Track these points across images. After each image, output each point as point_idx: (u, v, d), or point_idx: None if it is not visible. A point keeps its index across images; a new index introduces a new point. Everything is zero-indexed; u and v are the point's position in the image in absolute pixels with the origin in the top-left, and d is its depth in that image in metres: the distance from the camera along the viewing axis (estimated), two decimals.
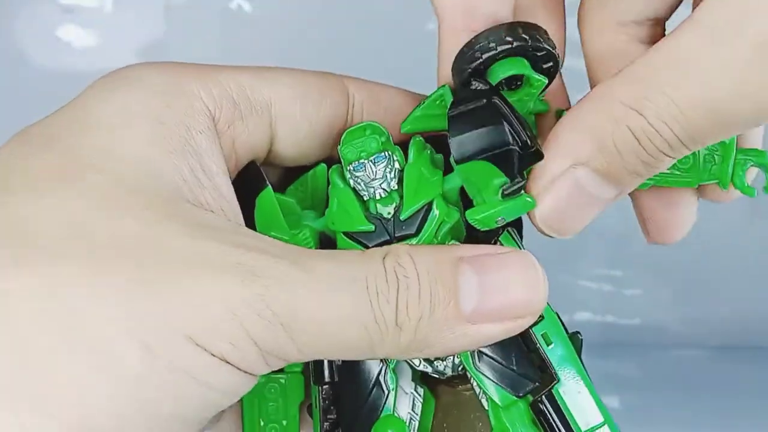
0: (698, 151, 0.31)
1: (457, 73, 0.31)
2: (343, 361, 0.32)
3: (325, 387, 0.33)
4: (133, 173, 0.28)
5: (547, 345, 0.31)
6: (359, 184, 0.31)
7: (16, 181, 0.27)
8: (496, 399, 0.32)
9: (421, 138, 0.32)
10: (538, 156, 0.29)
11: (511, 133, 0.29)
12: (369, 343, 0.28)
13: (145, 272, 0.26)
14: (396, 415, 0.33)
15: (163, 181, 0.28)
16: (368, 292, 0.27)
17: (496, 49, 0.30)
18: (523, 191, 0.30)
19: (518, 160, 0.29)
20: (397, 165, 0.31)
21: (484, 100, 0.30)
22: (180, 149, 0.29)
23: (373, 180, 0.31)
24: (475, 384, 0.32)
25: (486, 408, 0.32)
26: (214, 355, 0.26)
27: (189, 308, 0.25)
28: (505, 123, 0.30)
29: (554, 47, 0.31)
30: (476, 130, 0.30)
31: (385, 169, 0.31)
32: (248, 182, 0.31)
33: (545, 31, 0.31)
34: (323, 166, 0.33)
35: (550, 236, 0.30)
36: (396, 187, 0.31)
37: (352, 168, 0.31)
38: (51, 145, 0.28)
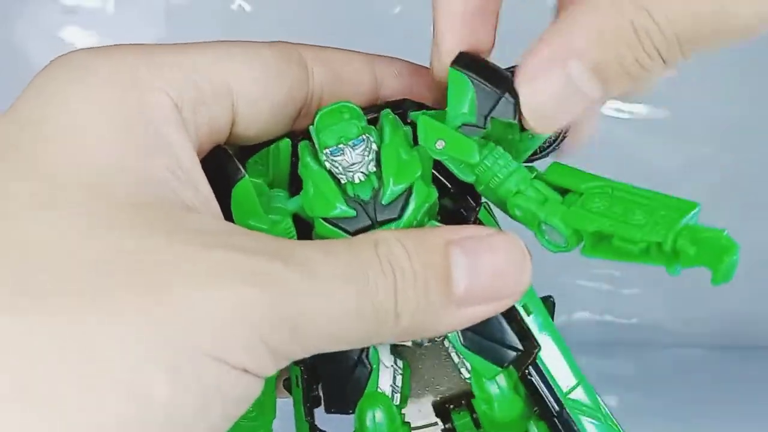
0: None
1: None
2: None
3: (305, 367, 0.33)
4: (112, 184, 0.27)
5: (528, 315, 0.32)
6: (337, 168, 0.30)
7: None
8: (481, 371, 0.32)
9: (390, 112, 0.32)
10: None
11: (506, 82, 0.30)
12: (369, 336, 0.28)
13: (156, 292, 0.25)
14: (379, 389, 0.33)
15: (145, 187, 0.27)
16: (368, 289, 0.27)
17: None
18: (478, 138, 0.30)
19: (493, 103, 0.30)
20: (374, 146, 0.31)
21: None
22: (152, 148, 0.28)
23: (352, 164, 0.30)
24: (452, 354, 0.33)
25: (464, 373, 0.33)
26: (233, 367, 0.25)
27: (206, 323, 0.25)
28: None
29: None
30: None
31: (364, 153, 0.30)
32: (220, 171, 0.31)
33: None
34: (287, 141, 0.32)
35: (532, 129, 0.30)
36: (374, 170, 0.31)
37: (329, 152, 0.30)
38: (17, 164, 0.27)
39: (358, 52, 0.33)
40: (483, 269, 0.29)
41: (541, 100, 0.30)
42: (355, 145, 0.30)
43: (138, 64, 0.29)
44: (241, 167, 0.31)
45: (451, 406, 0.36)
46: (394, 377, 0.33)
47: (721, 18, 0.27)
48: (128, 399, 0.24)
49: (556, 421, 0.32)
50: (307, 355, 0.28)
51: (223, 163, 0.31)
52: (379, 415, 0.33)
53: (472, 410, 0.35)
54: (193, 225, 0.27)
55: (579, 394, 0.33)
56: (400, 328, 0.28)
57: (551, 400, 0.32)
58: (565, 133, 0.33)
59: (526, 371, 0.32)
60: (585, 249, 0.30)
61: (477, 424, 0.35)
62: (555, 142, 0.33)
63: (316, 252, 0.28)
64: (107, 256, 0.25)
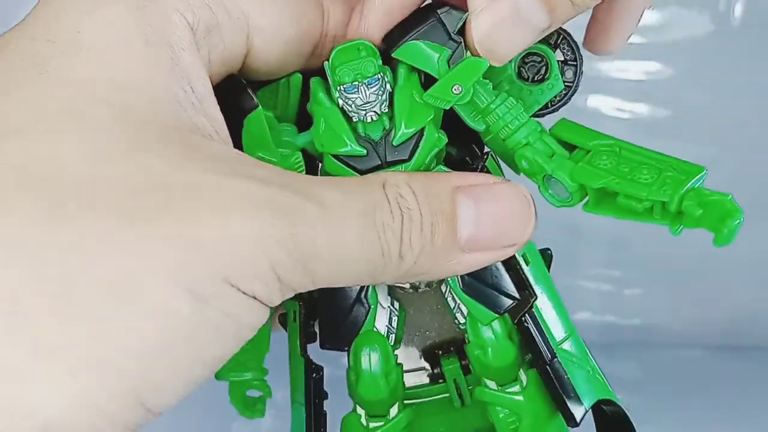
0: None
1: None
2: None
3: (304, 302, 0.34)
4: (139, 103, 0.27)
5: (527, 265, 0.32)
6: (350, 105, 0.31)
7: (23, 117, 0.26)
8: (478, 317, 0.33)
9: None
10: (462, 12, 0.30)
11: (434, 9, 0.30)
12: (373, 274, 0.28)
13: (181, 216, 0.25)
14: (375, 329, 0.33)
15: (167, 110, 0.27)
16: (376, 227, 0.28)
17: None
18: (467, 53, 0.30)
19: (444, 27, 0.30)
20: (388, 87, 0.31)
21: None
22: (170, 71, 0.28)
23: (366, 103, 0.30)
24: (449, 299, 0.34)
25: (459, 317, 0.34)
26: (246, 294, 0.26)
27: (225, 250, 0.25)
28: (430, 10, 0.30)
29: (581, 71, 0.33)
30: (403, 22, 0.31)
31: (378, 92, 0.30)
32: (233, 100, 0.31)
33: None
34: (299, 76, 0.32)
35: (483, 58, 0.30)
36: (386, 110, 0.31)
37: (343, 89, 0.30)
38: (46, 71, 0.27)
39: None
40: (488, 217, 0.29)
41: (486, 29, 0.30)
42: (370, 83, 0.30)
43: None
44: (254, 97, 0.31)
45: (440, 352, 0.36)
46: (390, 318, 0.34)
47: None
48: (155, 315, 0.24)
49: (548, 368, 0.33)
50: (312, 288, 0.28)
51: (237, 92, 0.31)
52: (374, 353, 0.33)
53: (460, 357, 0.35)
54: (210, 151, 0.27)
55: (569, 346, 0.33)
56: (403, 268, 0.28)
57: (545, 348, 0.33)
58: (575, 88, 0.33)
59: (522, 318, 0.32)
60: (588, 205, 0.30)
61: (465, 370, 0.35)
62: (565, 97, 0.34)
63: (328, 186, 0.28)
64: (133, 180, 0.25)
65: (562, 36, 0.33)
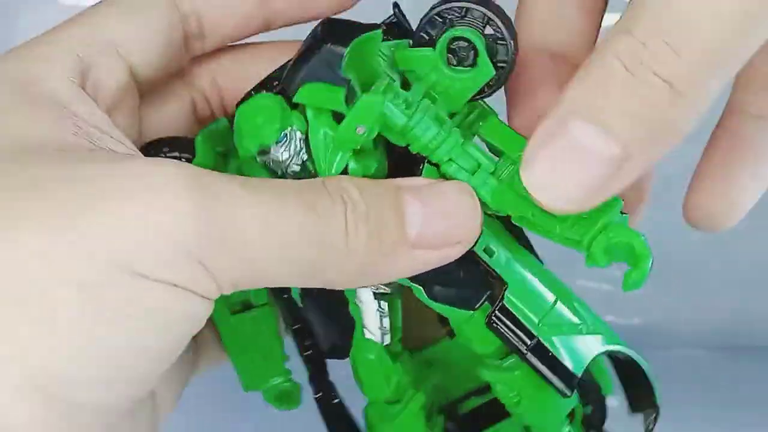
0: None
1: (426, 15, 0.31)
2: (304, 302, 0.34)
3: (293, 331, 0.35)
4: (14, 136, 0.27)
5: (490, 257, 0.32)
6: (270, 164, 0.31)
7: None
8: (453, 320, 0.33)
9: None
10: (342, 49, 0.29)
11: (312, 43, 0.29)
12: (314, 268, 0.27)
13: (73, 208, 0.24)
14: (367, 336, 0.33)
15: (42, 133, 0.27)
16: (317, 213, 0.27)
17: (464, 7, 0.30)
18: (358, 93, 0.30)
19: (330, 65, 0.29)
20: (298, 135, 0.30)
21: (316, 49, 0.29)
22: (48, 108, 0.29)
23: (284, 160, 0.30)
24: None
25: None
26: (158, 281, 0.25)
27: (124, 237, 0.24)
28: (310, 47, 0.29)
29: (515, 49, 0.31)
30: (296, 60, 0.30)
31: (289, 147, 0.30)
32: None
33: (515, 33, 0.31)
34: (224, 121, 0.33)
35: (548, 206, 0.28)
36: (306, 157, 0.30)
37: (257, 156, 0.30)
38: None
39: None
40: (435, 214, 0.29)
41: (548, 173, 0.27)
42: (280, 141, 0.30)
43: (29, 58, 0.30)
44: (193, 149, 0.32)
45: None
46: (381, 320, 0.34)
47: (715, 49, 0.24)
48: (37, 321, 0.24)
49: (530, 354, 0.32)
50: (255, 286, 0.27)
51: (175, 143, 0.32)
52: (370, 361, 0.34)
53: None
54: (107, 153, 0.27)
55: (556, 313, 0.33)
56: (351, 265, 0.28)
57: (520, 341, 0.32)
58: (510, 67, 0.31)
59: (492, 319, 0.32)
60: (512, 218, 0.31)
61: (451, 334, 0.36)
62: (499, 80, 0.32)
63: (266, 181, 0.28)
64: (19, 182, 0.25)
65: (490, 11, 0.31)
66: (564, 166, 0.27)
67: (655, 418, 0.35)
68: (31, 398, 0.24)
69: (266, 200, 0.26)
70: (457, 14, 0.31)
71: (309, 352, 0.37)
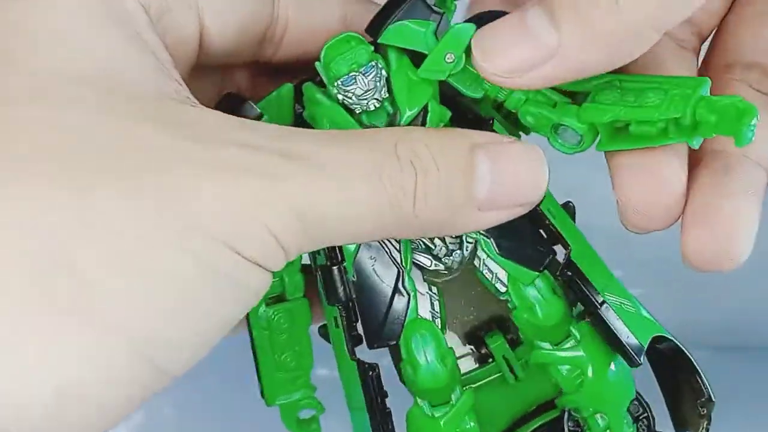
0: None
1: None
2: (356, 276, 0.33)
3: (343, 306, 0.34)
4: (115, 80, 0.27)
5: (553, 218, 0.33)
6: (350, 98, 0.31)
7: None
8: (519, 277, 0.33)
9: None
10: None
11: None
12: (383, 231, 0.29)
13: (173, 183, 0.26)
14: (420, 317, 0.33)
15: (145, 80, 0.28)
16: (384, 185, 0.28)
17: None
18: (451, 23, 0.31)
19: (423, 1, 0.31)
20: (383, 73, 0.31)
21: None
22: (134, 47, 0.29)
23: (366, 91, 0.31)
24: (485, 272, 0.34)
25: (501, 290, 0.34)
26: (246, 258, 0.26)
27: (222, 215, 0.26)
28: None
29: None
30: (382, 9, 0.31)
31: (375, 79, 0.31)
32: (234, 113, 0.31)
33: None
34: (289, 86, 0.33)
35: (486, 73, 0.30)
36: (387, 95, 0.31)
37: (341, 83, 0.31)
38: (9, 65, 0.27)
39: None
40: (505, 175, 0.30)
41: (484, 36, 0.30)
42: (366, 72, 0.31)
43: None
44: (255, 107, 0.31)
45: (482, 333, 0.36)
46: (432, 303, 0.34)
47: None
48: (163, 278, 0.25)
49: (600, 313, 0.33)
50: (319, 247, 0.29)
51: (237, 105, 0.31)
52: (426, 340, 0.33)
53: (504, 332, 0.35)
54: (193, 119, 0.28)
55: (617, 285, 0.34)
56: (416, 226, 0.29)
57: (592, 294, 0.33)
58: None
59: (564, 269, 0.33)
60: (601, 143, 0.31)
61: (512, 343, 0.35)
62: None
63: (330, 143, 0.28)
64: (120, 144, 0.26)
65: None
66: (508, 38, 0.29)
67: (709, 416, 0.35)
68: (138, 360, 0.26)
69: (335, 175, 0.27)
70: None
71: (354, 333, 0.36)
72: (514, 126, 0.34)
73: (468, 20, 0.32)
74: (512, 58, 0.29)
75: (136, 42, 0.29)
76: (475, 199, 0.29)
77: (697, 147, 0.30)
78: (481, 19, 0.31)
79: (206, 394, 0.64)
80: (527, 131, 0.34)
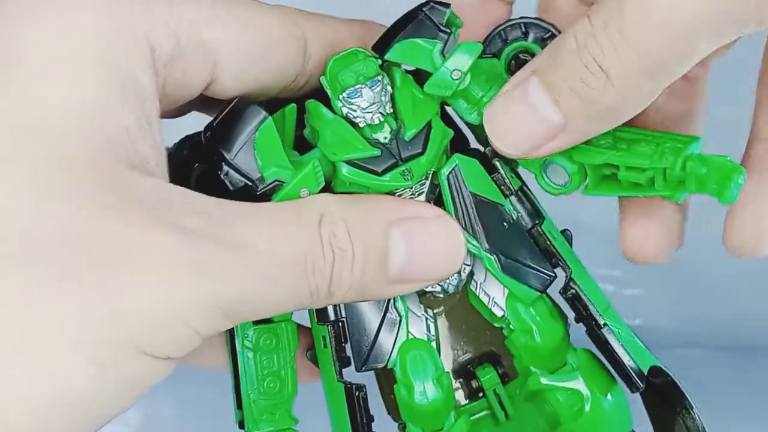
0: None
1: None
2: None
3: (332, 326, 0.32)
4: (75, 133, 0.26)
5: (554, 240, 0.33)
6: (354, 110, 0.31)
7: None
8: (520, 296, 0.32)
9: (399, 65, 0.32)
10: (444, 5, 0.31)
11: (418, 8, 0.31)
12: (297, 308, 0.29)
13: (90, 275, 0.25)
14: (412, 335, 0.33)
15: (106, 138, 0.26)
16: (306, 273, 0.28)
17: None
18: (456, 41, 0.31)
19: (431, 21, 0.31)
20: (389, 88, 0.31)
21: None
22: (121, 94, 0.27)
23: (371, 105, 0.31)
24: (481, 295, 0.33)
25: (499, 315, 0.33)
26: (158, 358, 0.26)
27: (138, 316, 0.25)
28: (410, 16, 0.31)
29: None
30: (391, 27, 0.31)
31: (381, 93, 0.31)
32: (240, 117, 0.30)
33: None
34: (293, 106, 0.32)
35: (496, 148, 0.31)
36: (390, 111, 0.31)
37: (346, 95, 0.30)
38: None
39: (362, 23, 0.33)
40: (420, 254, 0.30)
41: (501, 119, 0.30)
42: (372, 84, 0.30)
43: (130, 8, 0.27)
44: (261, 110, 0.30)
45: (473, 367, 0.35)
46: (428, 326, 0.33)
47: (668, 31, 0.27)
48: (51, 379, 0.24)
49: (606, 328, 0.33)
50: (232, 326, 0.28)
51: (244, 109, 0.30)
52: (422, 359, 0.32)
53: (496, 367, 0.34)
54: (138, 194, 0.26)
55: (614, 313, 0.33)
56: (329, 301, 0.29)
57: (595, 313, 0.33)
58: None
59: (570, 285, 0.33)
60: (588, 188, 0.31)
61: (503, 378, 0.34)
62: None
63: (260, 231, 0.28)
64: (56, 236, 0.25)
65: (530, 23, 0.33)
66: (518, 118, 0.30)
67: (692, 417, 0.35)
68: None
69: (263, 269, 0.27)
70: (521, 31, 0.33)
71: (342, 355, 0.34)
72: (504, 160, 0.33)
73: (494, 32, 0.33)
74: (525, 137, 0.30)
75: (121, 93, 0.27)
76: (388, 276, 0.30)
77: (681, 202, 0.30)
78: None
79: (205, 395, 0.64)
80: (516, 164, 0.33)
